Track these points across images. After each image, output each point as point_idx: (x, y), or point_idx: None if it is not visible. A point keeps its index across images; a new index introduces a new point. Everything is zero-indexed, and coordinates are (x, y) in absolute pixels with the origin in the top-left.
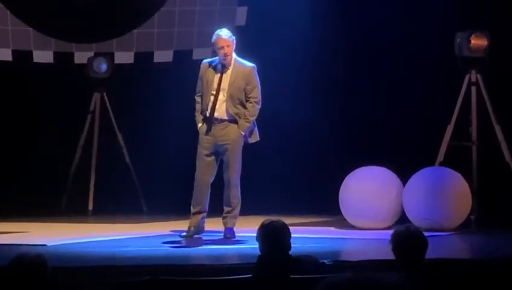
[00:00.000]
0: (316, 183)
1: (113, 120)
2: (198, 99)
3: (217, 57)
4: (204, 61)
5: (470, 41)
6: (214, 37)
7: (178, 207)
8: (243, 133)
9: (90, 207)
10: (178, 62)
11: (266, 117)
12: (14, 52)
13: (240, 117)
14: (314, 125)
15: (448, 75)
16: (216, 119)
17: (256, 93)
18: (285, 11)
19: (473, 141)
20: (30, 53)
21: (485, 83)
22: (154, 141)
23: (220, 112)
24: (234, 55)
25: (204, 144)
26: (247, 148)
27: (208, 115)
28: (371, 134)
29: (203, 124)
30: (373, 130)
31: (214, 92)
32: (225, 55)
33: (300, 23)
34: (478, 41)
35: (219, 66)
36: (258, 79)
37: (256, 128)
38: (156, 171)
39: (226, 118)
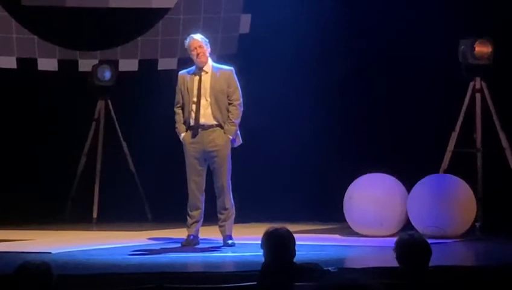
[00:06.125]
0: (321, 190)
1: (118, 128)
2: (178, 110)
3: (192, 67)
4: (181, 72)
5: (474, 49)
6: (187, 41)
7: (183, 215)
8: (231, 138)
9: (95, 215)
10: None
11: (271, 124)
12: (19, 60)
13: (224, 122)
14: (319, 132)
15: (453, 83)
16: (202, 125)
17: (238, 95)
18: (289, 19)
19: (477, 148)
20: (34, 61)
21: (490, 90)
22: (159, 149)
23: (206, 117)
24: (210, 60)
25: (192, 152)
26: (252, 155)
27: (192, 123)
28: (375, 141)
29: (186, 133)
30: (377, 137)
31: (195, 99)
32: (198, 55)
33: (304, 31)
34: (482, 48)
35: (197, 72)
36: (237, 81)
37: (239, 131)
38: (160, 179)
39: (212, 123)
